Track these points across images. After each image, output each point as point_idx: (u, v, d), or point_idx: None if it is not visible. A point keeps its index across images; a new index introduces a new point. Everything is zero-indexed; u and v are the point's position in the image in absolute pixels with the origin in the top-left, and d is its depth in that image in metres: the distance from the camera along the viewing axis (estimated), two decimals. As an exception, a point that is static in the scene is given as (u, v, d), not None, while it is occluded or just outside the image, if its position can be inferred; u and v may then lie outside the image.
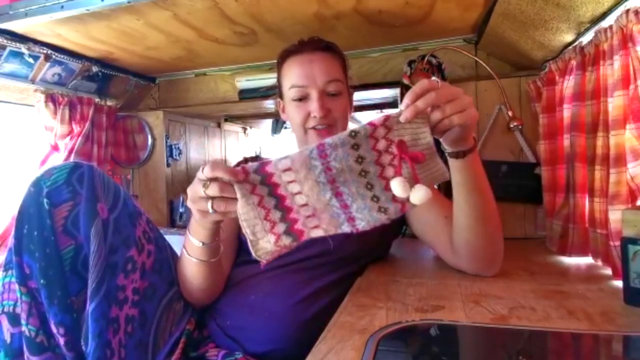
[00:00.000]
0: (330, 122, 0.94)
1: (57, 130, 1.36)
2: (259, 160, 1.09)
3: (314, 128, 0.93)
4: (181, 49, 1.34)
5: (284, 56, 0.98)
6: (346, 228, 0.58)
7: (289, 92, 0.95)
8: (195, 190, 0.62)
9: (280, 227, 0.59)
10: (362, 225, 0.57)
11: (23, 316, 0.69)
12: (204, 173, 0.59)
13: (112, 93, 1.56)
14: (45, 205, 0.69)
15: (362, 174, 0.59)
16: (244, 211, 0.59)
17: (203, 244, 0.72)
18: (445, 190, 1.27)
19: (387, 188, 0.59)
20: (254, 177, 0.59)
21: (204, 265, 0.75)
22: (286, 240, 0.59)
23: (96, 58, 1.36)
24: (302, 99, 0.93)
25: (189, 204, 0.64)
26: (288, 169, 0.58)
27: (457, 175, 0.72)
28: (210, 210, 0.61)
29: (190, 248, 0.74)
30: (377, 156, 0.59)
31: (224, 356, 0.76)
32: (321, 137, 0.94)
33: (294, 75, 0.94)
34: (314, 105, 0.91)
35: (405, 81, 1.27)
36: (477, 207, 0.74)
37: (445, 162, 0.68)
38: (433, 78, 0.61)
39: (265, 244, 0.60)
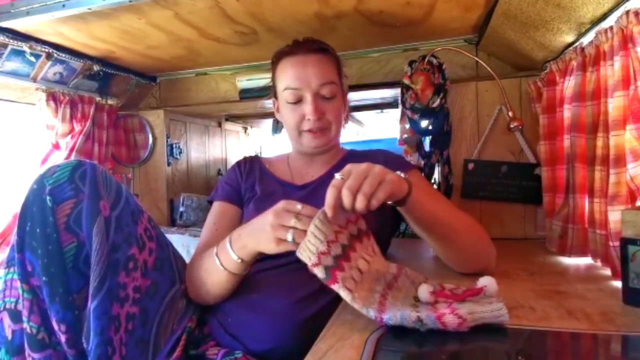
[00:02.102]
0: (325, 125, 0.95)
1: (58, 128, 1.36)
2: (257, 160, 1.10)
3: (308, 130, 0.95)
4: (182, 48, 1.34)
5: (278, 57, 0.98)
6: (372, 313, 0.58)
7: (283, 94, 0.95)
8: (282, 219, 0.65)
9: (328, 260, 0.61)
10: (386, 317, 0.57)
11: (24, 313, 0.69)
12: (301, 209, 0.64)
13: (113, 92, 1.56)
14: (48, 203, 0.69)
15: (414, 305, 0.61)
16: (318, 232, 0.62)
17: (242, 260, 0.74)
18: (444, 192, 1.27)
19: (432, 310, 0.58)
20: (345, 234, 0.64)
21: (233, 277, 0.77)
22: (319, 271, 0.61)
23: (97, 57, 1.37)
24: (297, 101, 0.94)
25: (267, 228, 0.67)
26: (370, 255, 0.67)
27: (407, 217, 0.75)
28: (290, 240, 0.64)
29: (225, 260, 0.75)
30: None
31: (224, 355, 0.76)
32: (315, 138, 0.95)
33: (288, 77, 0.94)
34: (308, 108, 0.92)
35: (406, 81, 1.27)
36: (440, 236, 0.78)
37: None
38: (336, 175, 0.63)
39: (309, 253, 0.62)
